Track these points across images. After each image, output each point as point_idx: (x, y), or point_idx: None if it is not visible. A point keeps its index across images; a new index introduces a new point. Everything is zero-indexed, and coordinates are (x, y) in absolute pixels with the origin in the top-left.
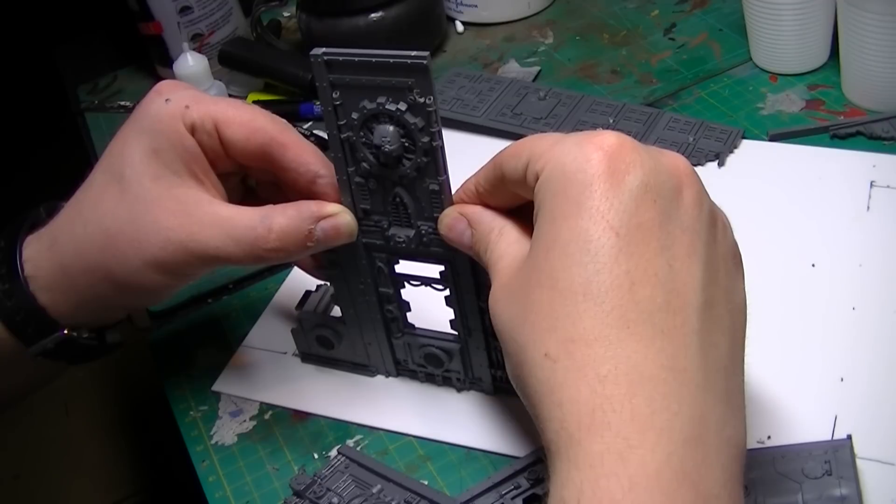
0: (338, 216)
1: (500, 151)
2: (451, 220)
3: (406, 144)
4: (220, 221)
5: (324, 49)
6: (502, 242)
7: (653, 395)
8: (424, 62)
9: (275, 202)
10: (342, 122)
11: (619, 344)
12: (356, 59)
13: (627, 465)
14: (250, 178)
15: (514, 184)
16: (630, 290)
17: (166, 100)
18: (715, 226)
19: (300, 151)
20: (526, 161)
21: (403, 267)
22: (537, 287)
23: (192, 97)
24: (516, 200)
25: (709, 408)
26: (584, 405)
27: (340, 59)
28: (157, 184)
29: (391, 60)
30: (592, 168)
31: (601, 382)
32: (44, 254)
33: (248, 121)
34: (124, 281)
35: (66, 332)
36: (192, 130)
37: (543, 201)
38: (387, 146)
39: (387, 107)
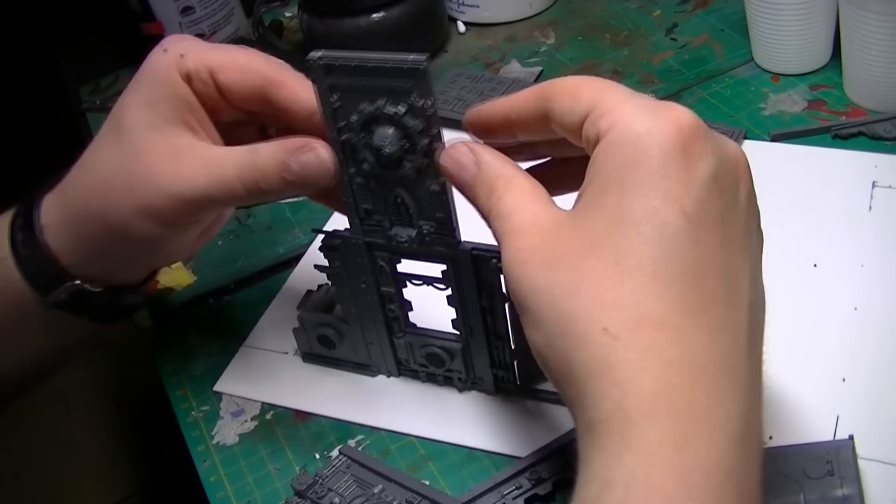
0: (313, 150)
1: (550, 84)
2: (456, 152)
3: (406, 146)
4: (208, 162)
5: (321, 52)
6: (513, 193)
7: (711, 390)
8: (423, 66)
9: None
10: (341, 125)
11: (683, 331)
12: (353, 62)
13: (683, 457)
14: (270, 129)
15: (563, 127)
16: (697, 278)
17: (164, 50)
18: (758, 226)
19: (295, 88)
20: (586, 109)
21: (405, 266)
22: (595, 259)
23: (188, 47)
24: (548, 135)
25: (752, 408)
26: (647, 388)
27: (338, 62)
28: (151, 132)
29: (389, 64)
30: (669, 146)
31: (665, 368)
32: (54, 203)
33: (243, 64)
34: (119, 229)
35: (77, 283)
36: (189, 79)
37: (606, 166)
38: (387, 149)
39: (386, 109)
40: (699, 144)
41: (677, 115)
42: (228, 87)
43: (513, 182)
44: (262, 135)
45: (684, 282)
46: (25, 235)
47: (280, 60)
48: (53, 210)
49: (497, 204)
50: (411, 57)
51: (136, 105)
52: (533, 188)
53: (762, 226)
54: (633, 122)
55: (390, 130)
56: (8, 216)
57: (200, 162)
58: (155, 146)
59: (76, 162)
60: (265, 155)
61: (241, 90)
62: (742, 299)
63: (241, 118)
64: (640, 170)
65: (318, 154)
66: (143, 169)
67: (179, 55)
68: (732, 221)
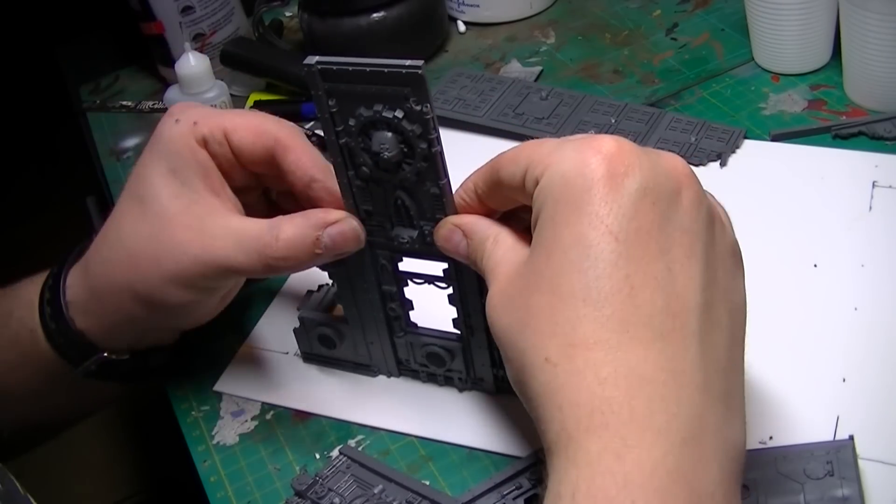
0: (343, 222)
1: (498, 155)
2: (447, 232)
3: (405, 150)
4: (231, 233)
5: (317, 58)
6: (499, 250)
7: (651, 397)
8: (419, 72)
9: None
10: (339, 129)
11: (618, 348)
12: (350, 68)
13: (623, 463)
14: (272, 192)
15: (511, 189)
16: (629, 294)
17: (176, 120)
18: (713, 225)
19: (300, 154)
20: (524, 167)
21: (406, 265)
22: (537, 292)
23: (199, 114)
24: (513, 203)
25: (707, 408)
26: (584, 407)
27: (335, 68)
28: (176, 201)
29: (386, 70)
30: (591, 172)
31: (601, 385)
32: (79, 279)
33: (255, 125)
34: (147, 298)
35: (105, 354)
36: (205, 144)
37: (543, 206)
38: (385, 153)
39: (383, 114)
40: (624, 163)
41: (599, 144)
42: (242, 147)
43: (498, 240)
44: (267, 200)
45: (616, 300)
46: (53, 310)
47: (291, 124)
48: (78, 286)
49: (487, 263)
50: (408, 62)
51: (158, 175)
52: (514, 241)
53: (763, 228)
54: (560, 163)
55: (388, 135)
56: (37, 284)
57: (226, 233)
58: (180, 215)
59: (98, 233)
60: (289, 230)
61: (253, 150)
62: (689, 304)
63: (249, 183)
64: (568, 201)
65: (350, 223)
66: (169, 238)
67: (192, 122)
68: (672, 229)
